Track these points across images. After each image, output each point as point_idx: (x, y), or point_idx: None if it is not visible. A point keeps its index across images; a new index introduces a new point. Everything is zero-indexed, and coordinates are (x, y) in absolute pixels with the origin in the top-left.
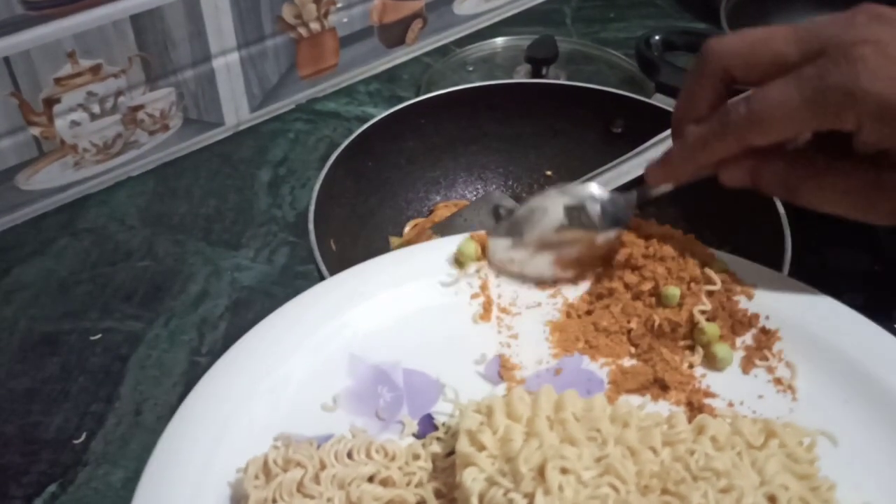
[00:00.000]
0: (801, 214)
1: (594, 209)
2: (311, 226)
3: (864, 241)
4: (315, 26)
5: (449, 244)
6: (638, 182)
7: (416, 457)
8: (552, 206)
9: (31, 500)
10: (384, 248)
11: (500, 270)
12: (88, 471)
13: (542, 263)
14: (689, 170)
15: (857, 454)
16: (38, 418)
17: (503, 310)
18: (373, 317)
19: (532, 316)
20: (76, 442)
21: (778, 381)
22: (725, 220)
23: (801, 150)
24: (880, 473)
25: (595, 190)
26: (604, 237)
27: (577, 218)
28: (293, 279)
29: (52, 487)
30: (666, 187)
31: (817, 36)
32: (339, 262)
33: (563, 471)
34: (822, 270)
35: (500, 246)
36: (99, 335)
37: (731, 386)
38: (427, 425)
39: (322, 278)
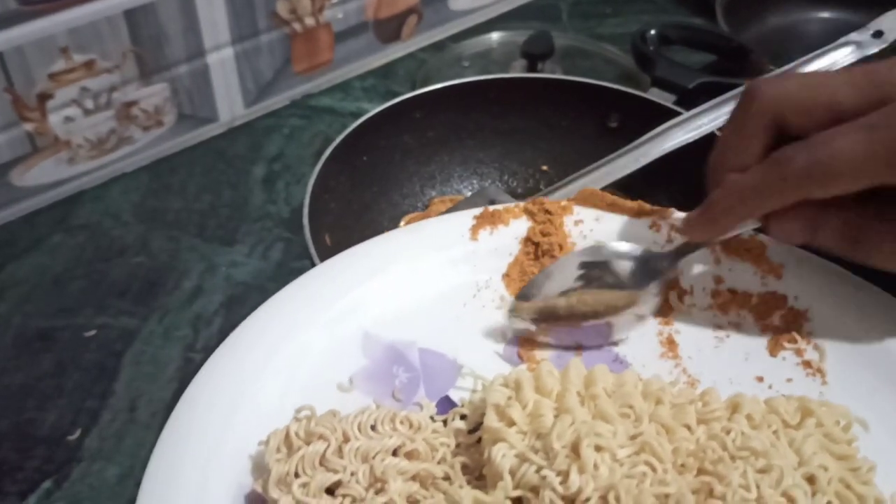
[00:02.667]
0: None
1: (622, 266)
2: (305, 221)
3: None
4: (310, 21)
5: (466, 217)
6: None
7: (438, 433)
8: (563, 267)
9: (25, 497)
10: None
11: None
12: (83, 467)
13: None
14: (734, 223)
15: (889, 440)
16: (32, 415)
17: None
18: (387, 293)
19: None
20: (71, 438)
21: (807, 363)
22: None
23: (861, 201)
24: None
25: (624, 246)
26: (640, 296)
27: (598, 277)
28: (288, 275)
29: (47, 484)
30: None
31: (878, 82)
32: None
33: (598, 448)
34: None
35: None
36: (93, 331)
37: (758, 368)
38: (445, 407)
39: None
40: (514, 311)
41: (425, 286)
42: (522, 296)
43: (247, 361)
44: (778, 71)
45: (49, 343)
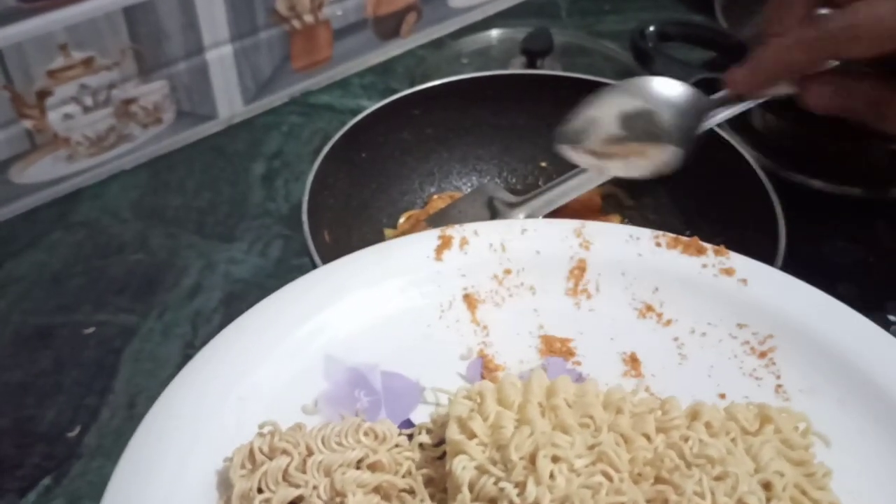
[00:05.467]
0: (795, 205)
1: (663, 118)
2: (304, 218)
3: (858, 232)
4: (309, 18)
5: (428, 238)
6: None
7: (402, 447)
8: (607, 112)
9: (24, 493)
10: (379, 240)
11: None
12: (82, 464)
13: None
14: (775, 76)
15: (851, 456)
16: (31, 411)
17: (485, 308)
18: (349, 316)
19: (516, 315)
20: (70, 435)
21: (770, 379)
22: (720, 211)
23: (887, 77)
24: (876, 476)
25: (668, 89)
26: (665, 153)
27: (639, 126)
28: (287, 272)
29: (46, 480)
30: (741, 101)
31: None
32: (334, 255)
33: (555, 459)
34: (817, 261)
35: (569, 153)
36: (92, 328)
37: (721, 385)
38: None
39: None
40: (559, 145)
41: (388, 308)
42: (564, 134)
43: (211, 381)
44: None
45: (48, 340)
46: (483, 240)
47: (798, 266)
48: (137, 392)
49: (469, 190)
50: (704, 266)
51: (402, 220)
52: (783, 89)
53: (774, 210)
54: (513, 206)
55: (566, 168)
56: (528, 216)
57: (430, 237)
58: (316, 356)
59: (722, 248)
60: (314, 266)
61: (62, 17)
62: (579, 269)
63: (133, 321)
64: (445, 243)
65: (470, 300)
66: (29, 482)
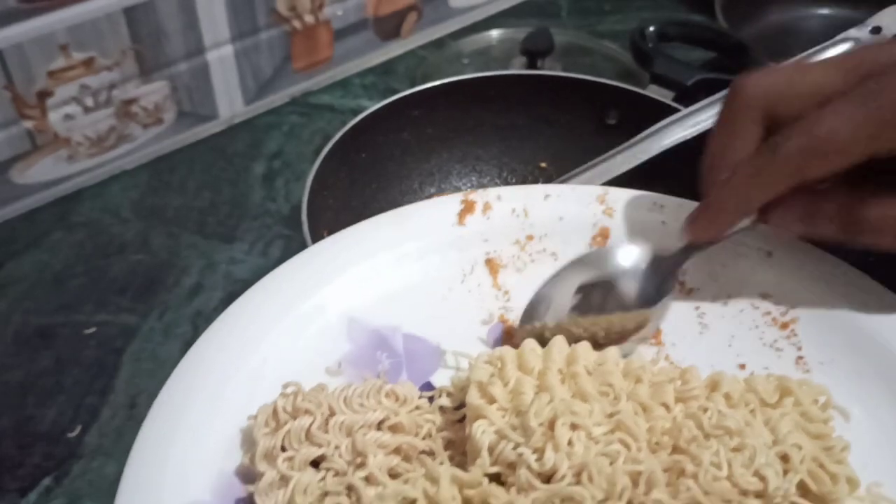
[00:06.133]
0: None
1: (627, 287)
2: (304, 218)
3: None
4: (309, 18)
5: (451, 202)
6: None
7: (423, 410)
8: (561, 289)
9: (25, 493)
10: None
11: None
12: (83, 463)
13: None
14: (735, 218)
15: (869, 430)
16: (32, 411)
17: (507, 273)
18: (372, 279)
19: (538, 281)
20: (71, 435)
21: (790, 350)
22: None
23: (855, 185)
24: (894, 450)
25: (625, 261)
26: (642, 316)
27: (598, 299)
28: None
29: (47, 480)
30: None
31: (859, 63)
32: None
33: (574, 426)
34: None
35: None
36: (93, 328)
37: (742, 356)
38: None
39: None
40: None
41: (410, 271)
42: (524, 320)
43: (234, 342)
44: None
45: (49, 340)
46: (506, 205)
47: None
48: (138, 392)
49: (468, 190)
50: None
51: None
52: (746, 222)
53: None
54: (578, 172)
55: (566, 168)
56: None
57: (453, 201)
58: (339, 318)
59: None
60: None
61: (63, 17)
62: (602, 236)
63: (134, 321)
64: (468, 208)
65: (492, 265)
66: (30, 482)
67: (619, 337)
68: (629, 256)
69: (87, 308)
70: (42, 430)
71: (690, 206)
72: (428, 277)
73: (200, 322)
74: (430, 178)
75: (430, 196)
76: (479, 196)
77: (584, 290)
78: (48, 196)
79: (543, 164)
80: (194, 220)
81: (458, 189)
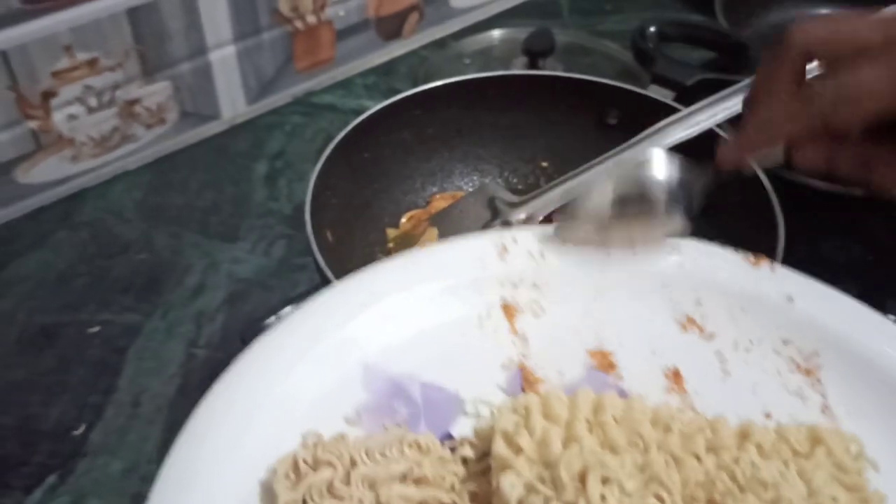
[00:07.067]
0: (794, 204)
1: (657, 195)
2: (307, 218)
3: (856, 230)
4: (311, 19)
5: (465, 245)
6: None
7: (447, 460)
8: (599, 195)
9: (30, 491)
10: (381, 240)
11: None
12: (87, 461)
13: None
14: (761, 143)
15: None
16: (36, 410)
17: (524, 318)
18: (386, 324)
19: (556, 326)
20: (75, 433)
21: (816, 397)
22: (718, 209)
23: (877, 132)
24: None
25: (659, 170)
26: (664, 225)
27: (634, 203)
28: (290, 272)
29: (52, 478)
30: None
31: None
32: (336, 254)
33: (605, 479)
34: (816, 260)
35: (569, 232)
36: (97, 327)
37: (767, 403)
38: None
39: (319, 270)
40: (558, 230)
41: (425, 315)
42: (563, 218)
43: (248, 390)
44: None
45: (53, 339)
46: (522, 247)
47: (797, 265)
48: (142, 390)
49: (470, 189)
50: (748, 278)
51: (404, 219)
52: (771, 157)
53: (773, 208)
54: (514, 205)
55: (567, 168)
56: (529, 216)
57: (468, 243)
58: (354, 365)
59: (763, 257)
60: (317, 265)
61: (66, 18)
62: None
63: (137, 320)
64: (486, 250)
65: (509, 310)
66: (34, 480)
67: (641, 242)
68: (662, 169)
69: (90, 307)
70: (46, 428)
71: (707, 247)
72: (444, 322)
73: (203, 321)
74: (432, 177)
75: (431, 195)
76: (495, 238)
77: (617, 200)
78: (52, 196)
79: (544, 164)
80: (197, 220)
81: (459, 188)
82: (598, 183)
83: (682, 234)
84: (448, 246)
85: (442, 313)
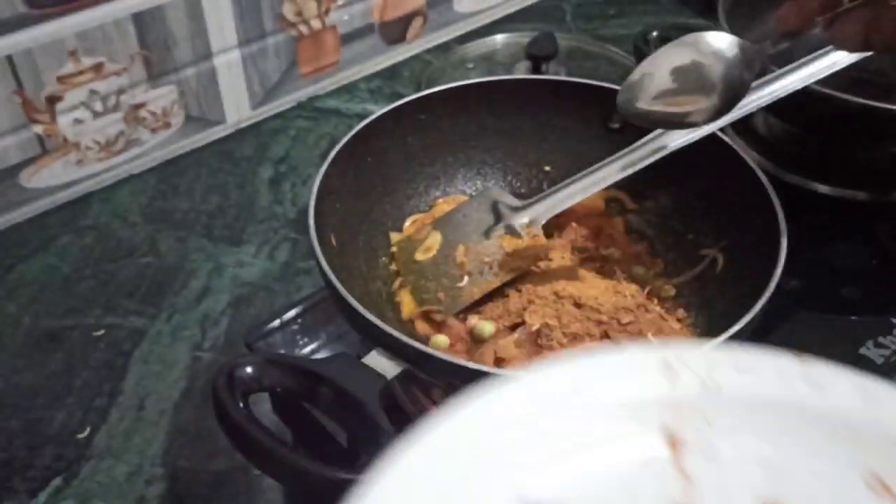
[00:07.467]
0: (797, 209)
1: (715, 69)
2: (311, 222)
3: (860, 235)
4: (316, 24)
5: (629, 361)
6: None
7: None
8: (660, 68)
9: (35, 494)
10: (384, 244)
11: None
12: (92, 465)
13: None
14: (820, 8)
15: None
16: (41, 413)
17: (693, 457)
18: (540, 453)
19: (731, 468)
20: (80, 436)
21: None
22: (721, 214)
23: None
24: None
25: (718, 41)
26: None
27: (691, 79)
28: (294, 275)
29: (57, 481)
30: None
31: None
32: (340, 258)
33: None
34: (819, 265)
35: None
36: (102, 331)
37: None
38: None
39: (323, 274)
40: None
41: (578, 443)
42: (624, 93)
43: None
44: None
45: (58, 343)
46: (691, 370)
47: (800, 270)
48: (146, 394)
49: (473, 194)
50: None
51: (407, 223)
52: (817, 30)
53: (776, 213)
54: (517, 209)
55: (570, 172)
56: (532, 220)
57: (632, 360)
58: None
59: None
60: (320, 268)
61: (72, 23)
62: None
63: (142, 324)
64: (651, 368)
65: (675, 442)
66: (39, 483)
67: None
68: (721, 41)
69: (95, 311)
70: (52, 431)
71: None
72: (599, 453)
73: (208, 325)
74: (436, 181)
75: (435, 200)
76: (658, 351)
77: (677, 72)
78: (57, 200)
79: (547, 168)
80: (202, 224)
81: (463, 193)
82: (658, 54)
83: (717, 112)
84: (605, 359)
85: (605, 443)
